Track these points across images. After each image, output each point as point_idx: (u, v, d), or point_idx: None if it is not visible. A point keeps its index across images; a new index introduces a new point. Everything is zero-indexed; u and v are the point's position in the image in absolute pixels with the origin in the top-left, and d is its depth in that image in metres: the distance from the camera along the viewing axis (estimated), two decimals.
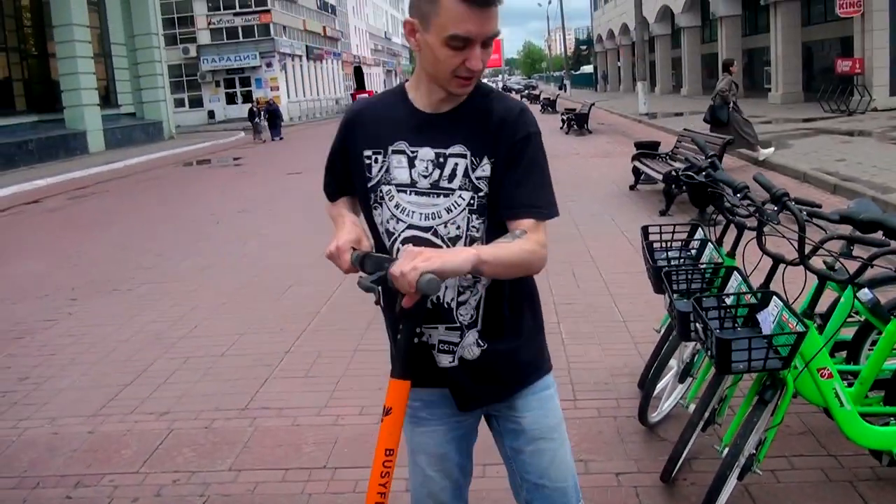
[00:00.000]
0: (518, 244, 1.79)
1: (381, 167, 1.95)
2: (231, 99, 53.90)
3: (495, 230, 1.88)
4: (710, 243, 3.74)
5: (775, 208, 3.04)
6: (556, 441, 2.07)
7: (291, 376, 4.91)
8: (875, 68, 21.32)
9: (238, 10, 54.12)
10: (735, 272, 3.29)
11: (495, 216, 1.88)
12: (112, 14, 32.08)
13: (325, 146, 2.17)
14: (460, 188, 1.88)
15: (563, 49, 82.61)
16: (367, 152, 1.96)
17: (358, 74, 43.66)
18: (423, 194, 1.90)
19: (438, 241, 1.89)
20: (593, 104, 26.12)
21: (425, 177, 1.90)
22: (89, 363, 5.40)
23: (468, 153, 1.87)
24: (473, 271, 1.73)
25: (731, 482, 2.92)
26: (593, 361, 4.81)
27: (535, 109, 40.03)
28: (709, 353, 2.71)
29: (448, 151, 1.89)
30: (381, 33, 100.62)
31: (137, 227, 11.83)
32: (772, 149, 13.61)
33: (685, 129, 13.07)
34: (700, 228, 3.89)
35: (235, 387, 4.76)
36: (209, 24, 53.95)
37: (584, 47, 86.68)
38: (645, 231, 3.86)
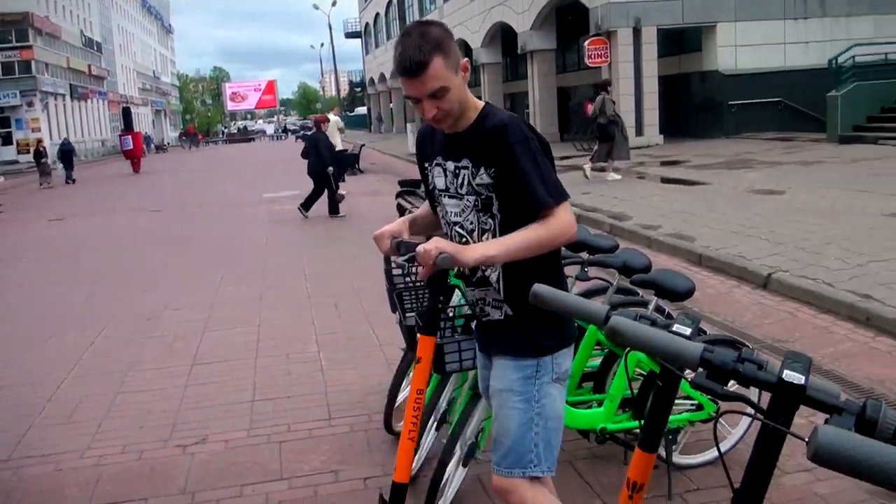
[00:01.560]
0: (527, 231, 2.28)
1: (430, 176, 2.58)
2: None
3: (510, 224, 2.35)
4: None
5: None
6: (498, 404, 2.48)
7: (54, 423, 4.86)
8: (622, 112, 23.45)
9: None
10: (457, 289, 3.75)
11: (509, 213, 2.36)
12: None
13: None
14: (467, 193, 2.42)
15: (336, 91, 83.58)
16: (426, 164, 2.61)
17: (126, 115, 42.07)
18: (453, 197, 2.48)
19: (463, 232, 2.49)
20: (363, 145, 26.76)
21: (452, 184, 2.46)
22: None
23: (470, 165, 2.39)
24: (484, 263, 2.34)
25: (459, 471, 3.35)
26: (349, 384, 5.14)
27: None
28: None
29: (460, 164, 2.42)
30: (149, 72, 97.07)
31: None
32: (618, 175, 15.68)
33: None
34: None
35: None
36: None
37: (357, 89, 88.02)
38: (387, 258, 4.26)
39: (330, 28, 69.37)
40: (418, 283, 4.18)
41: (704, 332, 3.54)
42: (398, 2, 48.04)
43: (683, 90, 25.30)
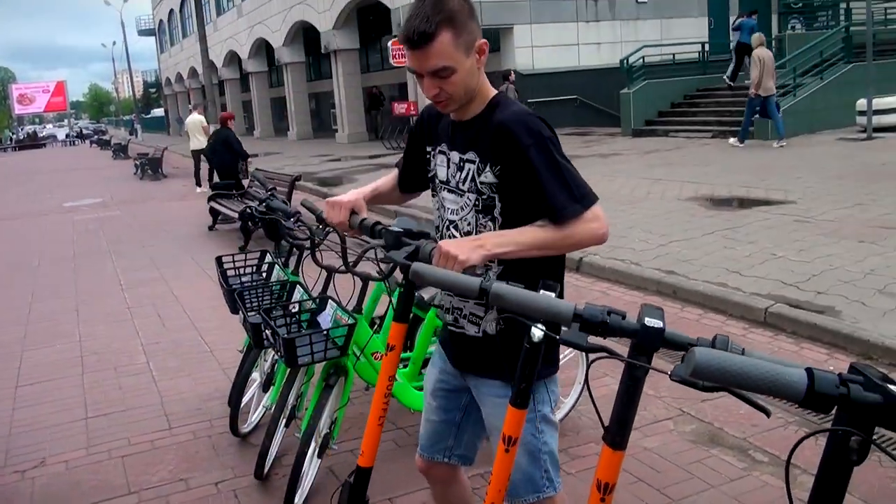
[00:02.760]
0: (533, 228, 2.00)
1: (432, 163, 2.30)
2: None
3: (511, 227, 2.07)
4: (277, 265, 4.24)
5: (322, 227, 3.56)
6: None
7: None
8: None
9: None
10: (297, 286, 3.82)
11: (512, 218, 2.07)
12: None
13: None
14: (468, 190, 2.15)
15: (131, 92, 79.88)
16: (428, 148, 2.32)
17: None
18: (452, 192, 2.20)
19: (457, 234, 2.20)
20: (166, 148, 25.85)
21: (454, 177, 2.19)
22: None
23: (477, 159, 2.12)
24: (491, 258, 1.97)
25: (314, 461, 3.42)
26: (184, 392, 5.05)
27: (106, 155, 38.49)
28: (279, 353, 3.17)
29: (466, 157, 2.15)
30: None
31: None
32: None
33: (256, 169, 13.69)
34: (269, 254, 4.38)
35: None
36: None
37: (153, 90, 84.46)
38: (219, 260, 4.25)
39: (123, 25, 65.38)
40: (255, 283, 4.20)
41: None
42: None
43: None
